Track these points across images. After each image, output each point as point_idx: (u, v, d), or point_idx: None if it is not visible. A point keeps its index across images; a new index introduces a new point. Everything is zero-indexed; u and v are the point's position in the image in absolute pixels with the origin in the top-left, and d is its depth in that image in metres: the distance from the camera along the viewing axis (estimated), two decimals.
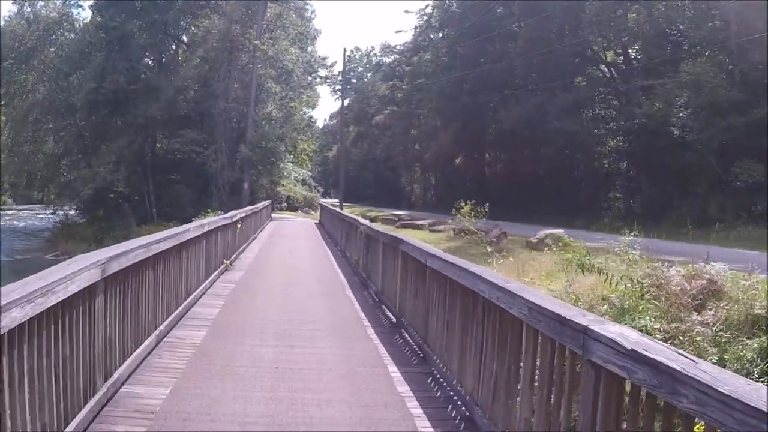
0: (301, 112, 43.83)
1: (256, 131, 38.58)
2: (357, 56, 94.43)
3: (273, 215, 42.68)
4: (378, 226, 14.68)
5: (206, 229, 11.17)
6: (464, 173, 68.92)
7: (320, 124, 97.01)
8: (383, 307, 10.13)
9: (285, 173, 39.29)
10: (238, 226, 16.90)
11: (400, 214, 44.00)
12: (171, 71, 40.91)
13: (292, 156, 42.18)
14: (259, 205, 27.88)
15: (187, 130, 37.86)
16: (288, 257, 18.82)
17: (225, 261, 13.57)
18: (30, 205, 75.80)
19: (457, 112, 51.58)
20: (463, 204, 23.19)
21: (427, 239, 21.96)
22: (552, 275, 12.87)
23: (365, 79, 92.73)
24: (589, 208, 37.84)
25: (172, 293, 7.68)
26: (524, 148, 49.32)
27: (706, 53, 30.89)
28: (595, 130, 40.16)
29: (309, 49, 47.31)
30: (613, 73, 41.32)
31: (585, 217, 34.32)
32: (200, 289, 10.19)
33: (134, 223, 38.72)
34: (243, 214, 18.56)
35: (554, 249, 13.97)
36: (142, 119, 37.80)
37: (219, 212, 34.47)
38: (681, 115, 30.11)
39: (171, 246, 7.40)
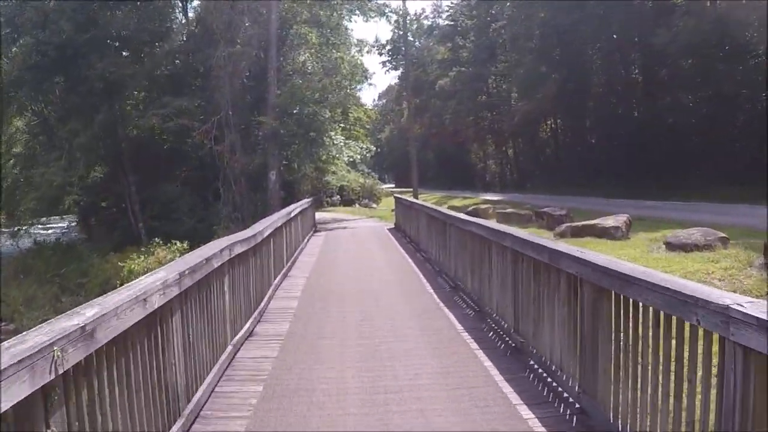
0: (349, 62, 27.87)
1: (283, 89, 22.93)
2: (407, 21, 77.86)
3: (319, 216, 27.15)
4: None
5: None
6: (554, 143, 52.12)
7: (368, 103, 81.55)
8: None
9: (335, 152, 23.51)
10: None
11: (508, 205, 27.76)
12: (143, 10, 25.05)
13: (342, 127, 26.31)
14: (291, 210, 12.31)
15: (172, 98, 22.45)
16: None
17: None
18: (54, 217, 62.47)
19: (569, 54, 34.94)
20: None
21: None
22: None
23: (418, 44, 76.13)
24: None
25: None
26: (671, 92, 32.41)
27: None
28: None
29: None
30: None
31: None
32: None
33: (108, 246, 23.76)
34: (242, 248, 6.43)
35: None
36: (100, 82, 22.68)
37: (229, 225, 18.95)
38: None
39: None
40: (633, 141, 34.04)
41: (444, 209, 10.67)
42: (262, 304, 7.56)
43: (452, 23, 65.56)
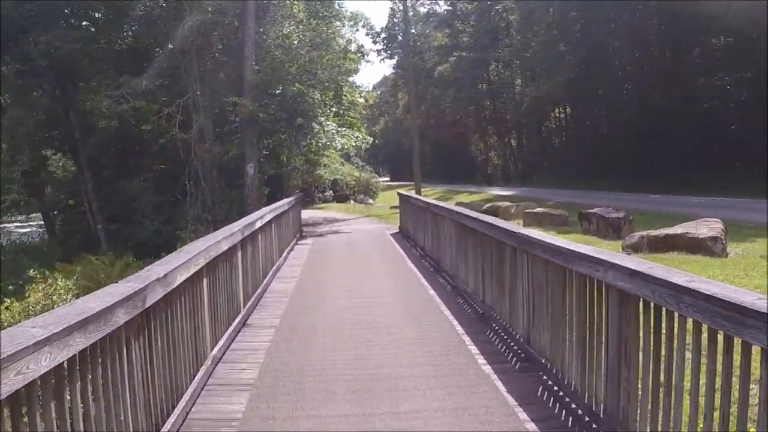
0: (341, 38, 23.74)
1: (263, 65, 18.87)
2: (402, 9, 73.45)
3: (308, 215, 23.30)
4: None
5: None
6: (564, 133, 48.21)
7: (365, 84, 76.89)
8: None
9: (325, 140, 19.38)
10: None
11: (527, 201, 23.95)
12: None
13: (334, 112, 22.18)
14: (257, 218, 8.42)
15: (128, 77, 18.34)
16: None
17: None
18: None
19: (590, 32, 30.87)
20: None
21: None
22: None
23: (414, 31, 71.78)
24: None
25: None
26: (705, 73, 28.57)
27: None
28: None
29: None
30: None
31: None
32: None
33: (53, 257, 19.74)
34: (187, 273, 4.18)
35: None
36: (44, 60, 18.63)
37: (197, 227, 14.11)
38: None
39: None
40: (655, 130, 30.23)
41: (498, 221, 6.67)
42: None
43: (451, 7, 61.54)
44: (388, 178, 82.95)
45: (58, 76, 19.67)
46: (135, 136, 20.30)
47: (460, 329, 6.21)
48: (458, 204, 21.32)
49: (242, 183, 18.64)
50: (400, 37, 63.74)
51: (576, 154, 42.84)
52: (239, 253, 6.62)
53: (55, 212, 26.17)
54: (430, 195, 31.77)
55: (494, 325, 6.15)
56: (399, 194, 17.05)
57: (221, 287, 5.60)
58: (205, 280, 4.86)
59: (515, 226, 6.36)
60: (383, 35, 64.20)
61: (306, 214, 25.84)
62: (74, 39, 18.89)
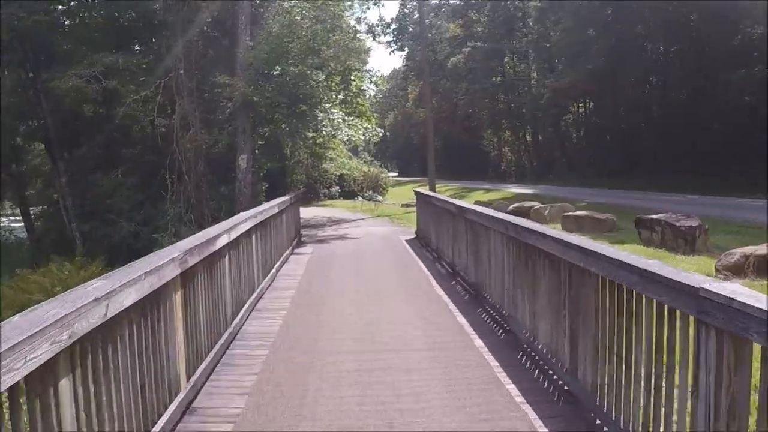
0: (349, 17, 21.02)
1: (258, 41, 16.12)
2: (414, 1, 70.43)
3: (311, 214, 20.75)
4: None
5: None
6: (583, 127, 45.33)
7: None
8: None
9: (330, 128, 16.67)
10: None
11: (547, 200, 21.28)
12: None
13: (341, 99, 19.39)
14: (241, 221, 5.81)
15: (105, 54, 15.72)
16: None
17: None
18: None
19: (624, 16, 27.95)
20: None
21: None
22: None
23: (427, 21, 68.77)
24: None
25: None
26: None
27: None
28: None
29: None
30: None
31: None
32: None
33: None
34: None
35: None
36: (7, 33, 15.99)
37: (179, 229, 10.32)
38: None
39: None
40: (687, 126, 27.48)
41: (601, 247, 3.92)
42: None
43: None
44: (397, 174, 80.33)
45: (26, 53, 17.06)
46: (114, 122, 17.66)
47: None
48: (477, 203, 18.65)
49: (234, 178, 15.96)
50: (411, 29, 61.08)
51: (596, 150, 40.01)
52: (177, 296, 3.96)
53: (33, 208, 23.69)
54: (444, 192, 29.11)
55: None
56: (416, 192, 14.35)
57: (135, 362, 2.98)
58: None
59: (635, 256, 3.66)
60: (393, 26, 61.60)
61: (309, 212, 23.17)
62: (43, 11, 16.28)
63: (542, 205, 16.63)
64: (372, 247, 12.40)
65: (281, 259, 9.78)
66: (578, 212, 14.02)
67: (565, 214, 13.96)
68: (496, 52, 49.96)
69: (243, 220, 6.47)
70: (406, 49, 62.74)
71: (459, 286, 8.01)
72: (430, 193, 12.27)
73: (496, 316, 6.23)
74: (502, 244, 6.10)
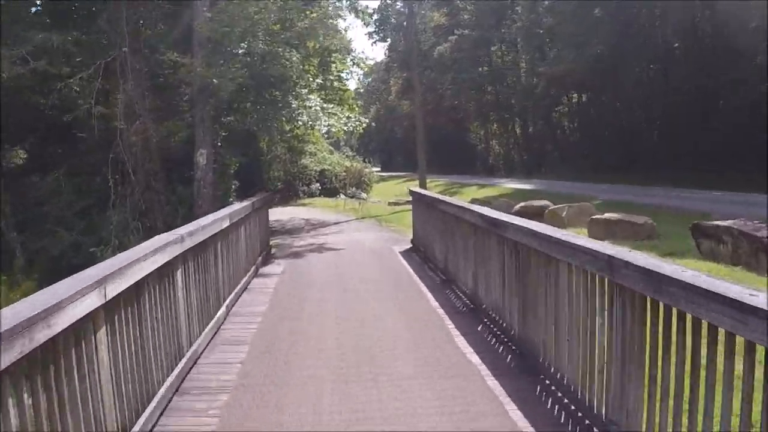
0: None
1: (216, 9, 13.26)
2: None
3: (287, 215, 18.16)
4: None
5: None
6: (577, 119, 43.00)
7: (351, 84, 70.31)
8: None
9: (306, 118, 14.07)
10: None
11: (557, 198, 18.84)
12: None
13: (320, 81, 16.63)
14: (161, 244, 3.19)
15: (37, 32, 12.94)
16: None
17: None
18: None
19: None
20: None
21: None
22: None
23: (406, 11, 65.96)
24: None
25: None
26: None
27: None
28: None
29: None
30: None
31: None
32: None
33: None
34: None
35: None
36: None
37: (124, 239, 6.02)
38: None
39: None
40: (690, 120, 25.23)
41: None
42: None
43: None
44: (380, 168, 77.76)
45: None
46: (54, 113, 14.82)
47: None
48: (473, 201, 16.14)
49: (191, 177, 13.25)
50: (394, 20, 58.37)
51: (592, 143, 37.69)
52: None
53: None
54: (433, 188, 26.55)
55: None
56: (412, 192, 11.74)
57: None
58: None
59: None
60: (375, 17, 58.87)
61: (286, 212, 20.50)
62: None
63: (557, 206, 14.11)
64: (358, 266, 9.73)
65: (237, 289, 7.15)
66: (608, 215, 11.49)
67: (593, 217, 11.43)
68: (483, 40, 47.57)
69: (148, 252, 3.80)
70: (388, 40, 60.13)
71: (493, 338, 5.43)
72: (435, 195, 9.63)
73: (576, 411, 3.66)
74: (584, 290, 3.54)
